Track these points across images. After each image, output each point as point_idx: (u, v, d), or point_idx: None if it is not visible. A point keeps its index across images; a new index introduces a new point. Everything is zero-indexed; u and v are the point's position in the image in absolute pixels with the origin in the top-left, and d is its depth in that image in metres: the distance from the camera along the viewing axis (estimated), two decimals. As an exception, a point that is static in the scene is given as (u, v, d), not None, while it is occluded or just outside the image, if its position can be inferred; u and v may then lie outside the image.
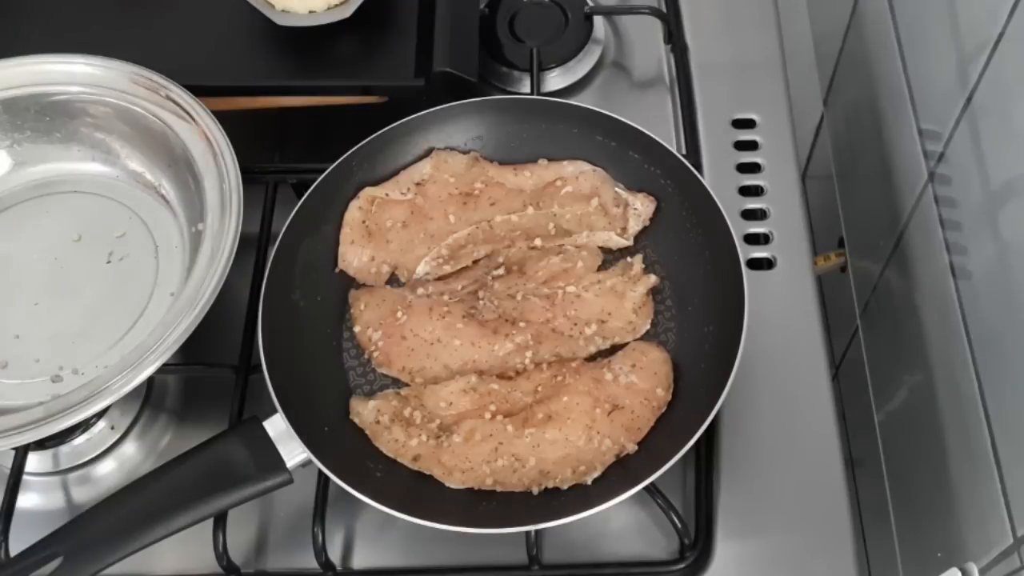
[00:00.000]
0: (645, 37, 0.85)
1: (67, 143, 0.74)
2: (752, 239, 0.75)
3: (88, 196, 0.74)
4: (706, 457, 0.66)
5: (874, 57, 0.88)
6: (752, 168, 0.78)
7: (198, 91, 0.71)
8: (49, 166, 0.75)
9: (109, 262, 0.71)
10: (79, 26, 0.79)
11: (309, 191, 0.69)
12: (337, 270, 0.70)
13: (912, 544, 0.86)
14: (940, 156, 0.74)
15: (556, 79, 0.82)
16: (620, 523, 0.66)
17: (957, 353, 0.72)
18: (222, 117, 0.69)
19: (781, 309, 0.72)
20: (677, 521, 0.63)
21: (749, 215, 0.76)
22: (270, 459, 0.60)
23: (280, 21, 0.75)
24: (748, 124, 0.80)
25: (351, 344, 0.68)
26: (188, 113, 0.70)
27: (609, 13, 0.85)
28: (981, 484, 0.69)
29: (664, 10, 0.85)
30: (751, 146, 0.79)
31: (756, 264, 0.74)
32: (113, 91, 0.72)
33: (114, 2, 0.80)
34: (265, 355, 0.63)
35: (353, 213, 0.70)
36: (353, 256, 0.69)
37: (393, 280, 0.70)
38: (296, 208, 0.68)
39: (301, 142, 0.77)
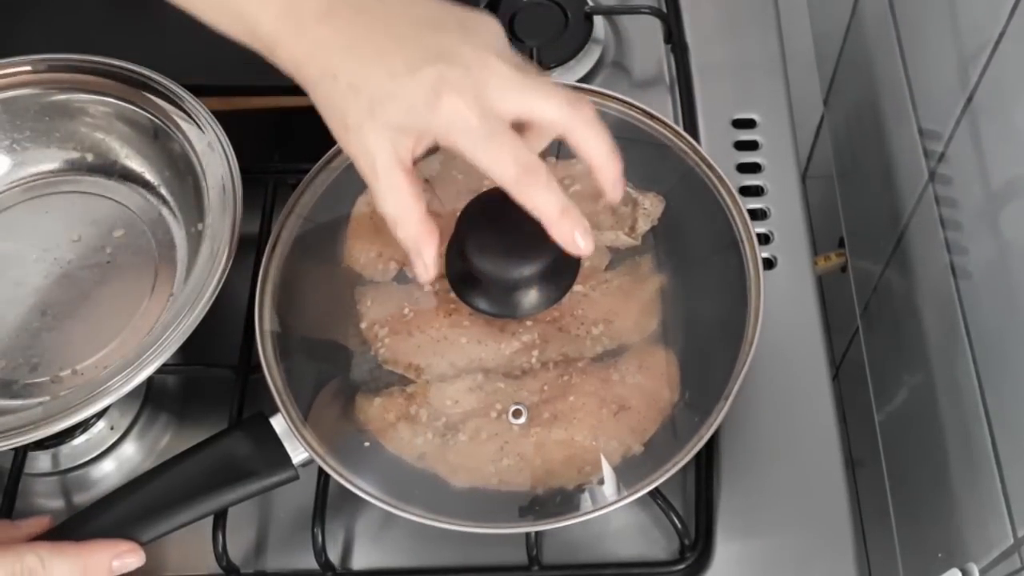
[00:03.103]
0: (645, 37, 0.85)
1: (66, 143, 0.74)
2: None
3: (88, 196, 0.74)
4: (706, 457, 0.66)
5: (874, 57, 0.88)
6: (752, 168, 0.78)
7: (198, 91, 0.71)
8: (49, 166, 0.74)
9: (109, 262, 0.71)
10: (79, 26, 0.79)
11: (314, 187, 0.69)
12: (344, 266, 0.69)
13: (913, 544, 0.86)
14: (941, 156, 0.74)
15: (556, 79, 0.82)
16: (620, 523, 0.66)
17: (958, 353, 0.72)
18: (222, 117, 0.69)
19: (781, 309, 0.72)
20: (677, 521, 0.63)
21: (749, 215, 0.76)
22: (276, 455, 0.60)
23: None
24: (748, 124, 0.80)
25: (357, 340, 0.68)
26: (188, 113, 0.70)
27: (609, 13, 0.85)
28: (982, 484, 0.69)
29: (664, 10, 0.84)
30: (751, 146, 0.79)
31: (756, 265, 0.74)
32: (113, 91, 0.72)
33: (114, 2, 0.80)
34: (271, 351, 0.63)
35: (360, 208, 0.70)
36: (360, 252, 0.69)
37: (400, 277, 0.70)
38: (302, 204, 0.68)
39: (301, 142, 0.77)
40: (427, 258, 0.55)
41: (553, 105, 0.52)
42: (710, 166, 0.67)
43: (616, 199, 0.56)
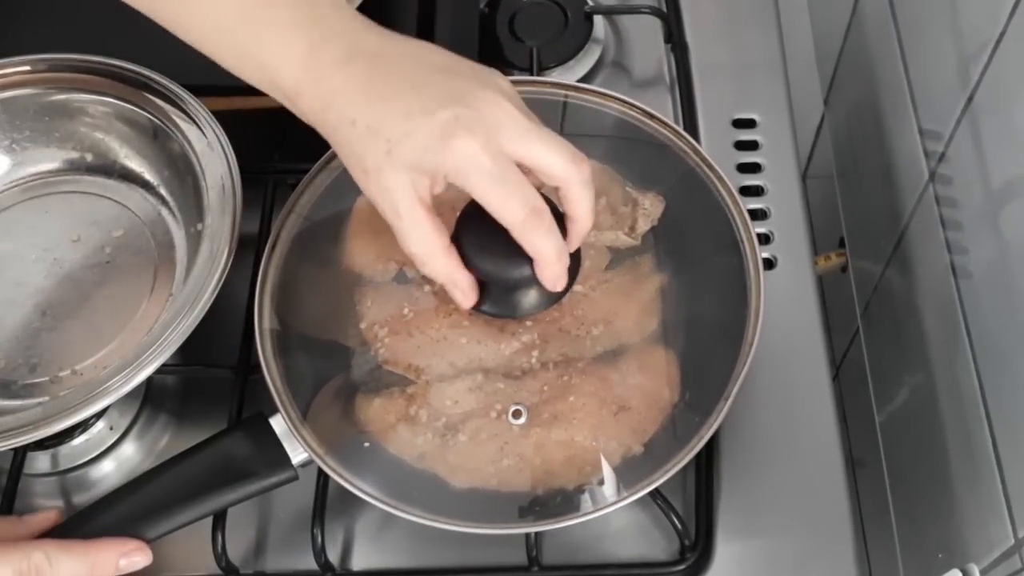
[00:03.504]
0: (645, 37, 0.85)
1: (66, 143, 0.74)
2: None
3: (87, 196, 0.74)
4: (706, 458, 0.66)
5: (875, 57, 0.88)
6: (753, 168, 0.78)
7: (198, 91, 0.71)
8: (48, 166, 0.74)
9: (108, 262, 0.71)
10: (79, 26, 0.79)
11: (314, 186, 0.69)
12: (343, 266, 0.69)
13: (913, 545, 0.86)
14: (941, 156, 0.74)
15: (556, 78, 0.82)
16: (620, 524, 0.66)
17: (958, 353, 0.72)
18: (222, 117, 0.69)
19: (782, 309, 0.72)
20: (677, 522, 0.63)
21: (750, 215, 0.76)
22: (276, 456, 0.60)
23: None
24: (749, 124, 0.80)
25: (357, 341, 0.68)
26: (187, 113, 0.70)
27: (609, 13, 0.85)
28: (982, 484, 0.68)
29: (664, 10, 0.84)
30: (752, 146, 0.79)
31: (756, 264, 0.74)
32: (112, 91, 0.72)
33: (114, 2, 0.80)
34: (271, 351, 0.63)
35: (360, 208, 0.70)
36: (360, 252, 0.69)
37: (400, 277, 0.70)
38: (302, 203, 0.68)
39: (301, 142, 0.77)
40: (464, 286, 0.58)
41: (560, 160, 0.54)
42: (710, 166, 0.67)
43: (573, 248, 0.58)
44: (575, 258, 0.59)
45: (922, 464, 0.82)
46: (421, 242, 0.55)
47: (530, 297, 0.60)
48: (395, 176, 0.53)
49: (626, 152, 0.62)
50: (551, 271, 0.56)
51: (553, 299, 0.61)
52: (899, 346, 0.86)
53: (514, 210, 0.53)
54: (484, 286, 0.60)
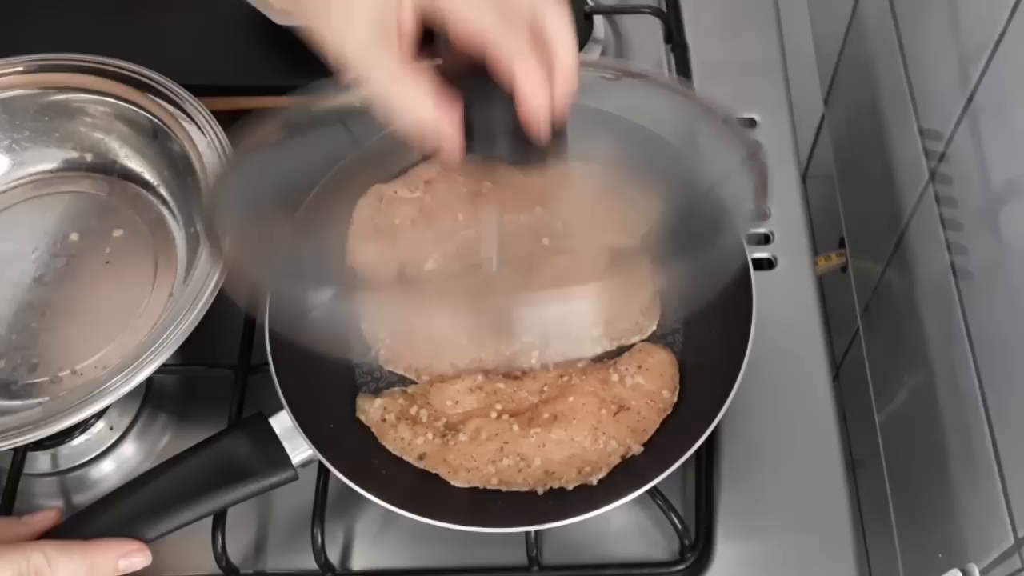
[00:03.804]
0: (645, 37, 0.85)
1: (66, 143, 0.74)
2: (753, 239, 0.75)
3: (87, 196, 0.74)
4: (706, 458, 0.66)
5: (875, 57, 0.88)
6: (752, 168, 0.78)
7: (198, 91, 0.71)
8: (48, 166, 0.74)
9: (108, 262, 0.71)
10: (79, 26, 0.79)
11: (318, 187, 0.69)
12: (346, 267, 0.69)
13: (913, 545, 0.86)
14: (941, 156, 0.74)
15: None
16: (620, 524, 0.66)
17: (958, 353, 0.72)
18: (222, 117, 0.69)
19: (782, 309, 0.72)
20: (677, 522, 0.63)
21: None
22: (276, 455, 0.60)
23: (280, 20, 0.75)
24: (749, 124, 0.80)
25: (358, 341, 0.68)
26: (187, 113, 0.70)
27: (609, 13, 0.85)
28: (982, 485, 0.68)
29: (664, 10, 0.84)
30: (752, 146, 0.79)
31: (757, 264, 0.74)
32: (112, 91, 0.72)
33: (114, 2, 0.80)
34: (272, 352, 0.63)
35: (363, 210, 0.70)
36: (362, 253, 0.69)
37: (401, 277, 0.70)
38: (305, 204, 0.68)
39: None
40: (450, 130, 0.51)
41: None
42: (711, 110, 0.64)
43: (562, 91, 0.52)
44: (561, 130, 0.53)
45: (922, 464, 0.82)
46: (395, 81, 0.50)
47: (514, 140, 0.52)
48: (362, 7, 0.49)
49: (627, 152, 0.62)
50: (530, 88, 0.49)
51: (541, 155, 0.53)
52: (899, 346, 0.86)
53: (485, 16, 0.49)
54: (468, 132, 0.52)
